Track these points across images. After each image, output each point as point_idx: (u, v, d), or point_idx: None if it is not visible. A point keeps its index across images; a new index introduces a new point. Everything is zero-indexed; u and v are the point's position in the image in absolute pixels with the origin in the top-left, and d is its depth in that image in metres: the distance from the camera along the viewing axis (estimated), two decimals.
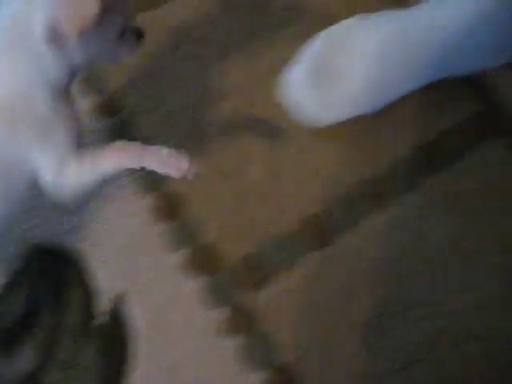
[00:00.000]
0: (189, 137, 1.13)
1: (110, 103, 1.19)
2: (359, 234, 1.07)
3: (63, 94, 0.85)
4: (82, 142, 0.87)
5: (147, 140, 1.00)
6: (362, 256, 1.05)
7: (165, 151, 0.82)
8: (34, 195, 0.91)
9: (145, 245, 1.07)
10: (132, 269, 1.04)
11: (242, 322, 1.00)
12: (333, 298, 1.02)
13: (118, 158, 0.85)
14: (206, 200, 1.09)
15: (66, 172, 0.85)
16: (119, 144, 0.86)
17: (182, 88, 1.19)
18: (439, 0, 1.14)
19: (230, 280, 1.04)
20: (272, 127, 1.12)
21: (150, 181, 1.09)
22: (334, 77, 1.10)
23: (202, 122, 1.15)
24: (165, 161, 0.82)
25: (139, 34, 0.93)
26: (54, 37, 0.76)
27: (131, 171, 0.93)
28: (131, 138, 1.08)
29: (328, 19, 1.13)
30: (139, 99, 1.19)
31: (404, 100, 1.14)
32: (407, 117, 1.17)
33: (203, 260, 1.05)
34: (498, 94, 1.20)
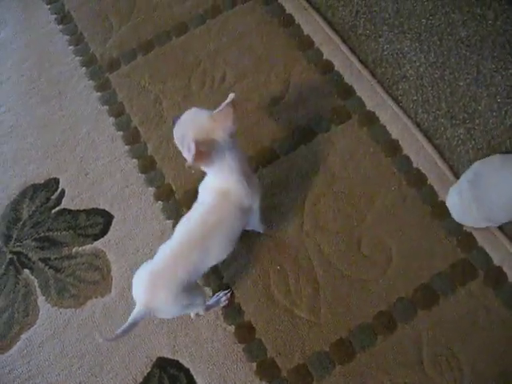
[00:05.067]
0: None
1: None
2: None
3: None
4: None
5: None
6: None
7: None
8: None
9: (229, 361, 1.61)
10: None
11: None
12: None
13: None
14: (268, 327, 1.63)
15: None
16: None
17: None
18: None
19: None
20: None
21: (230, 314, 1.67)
22: (483, 198, 1.57)
23: None
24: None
25: None
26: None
27: None
28: None
29: None
30: None
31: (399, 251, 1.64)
32: (407, 264, 1.66)
33: (268, 369, 1.60)
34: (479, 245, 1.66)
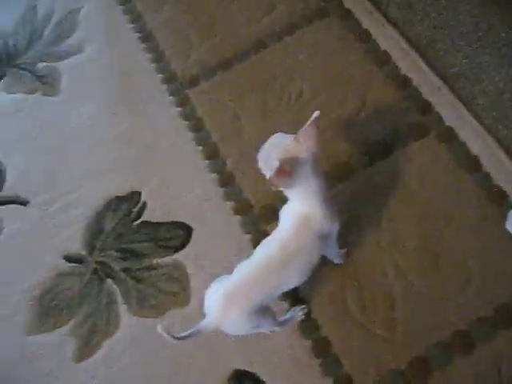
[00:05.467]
0: None
1: None
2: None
3: None
4: None
5: None
6: None
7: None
8: None
9: (304, 375, 1.62)
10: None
11: None
12: None
13: None
14: (344, 342, 1.64)
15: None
16: None
17: None
18: None
19: None
20: None
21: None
22: None
23: None
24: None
25: None
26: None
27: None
28: None
29: None
30: None
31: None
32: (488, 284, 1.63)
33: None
34: None
